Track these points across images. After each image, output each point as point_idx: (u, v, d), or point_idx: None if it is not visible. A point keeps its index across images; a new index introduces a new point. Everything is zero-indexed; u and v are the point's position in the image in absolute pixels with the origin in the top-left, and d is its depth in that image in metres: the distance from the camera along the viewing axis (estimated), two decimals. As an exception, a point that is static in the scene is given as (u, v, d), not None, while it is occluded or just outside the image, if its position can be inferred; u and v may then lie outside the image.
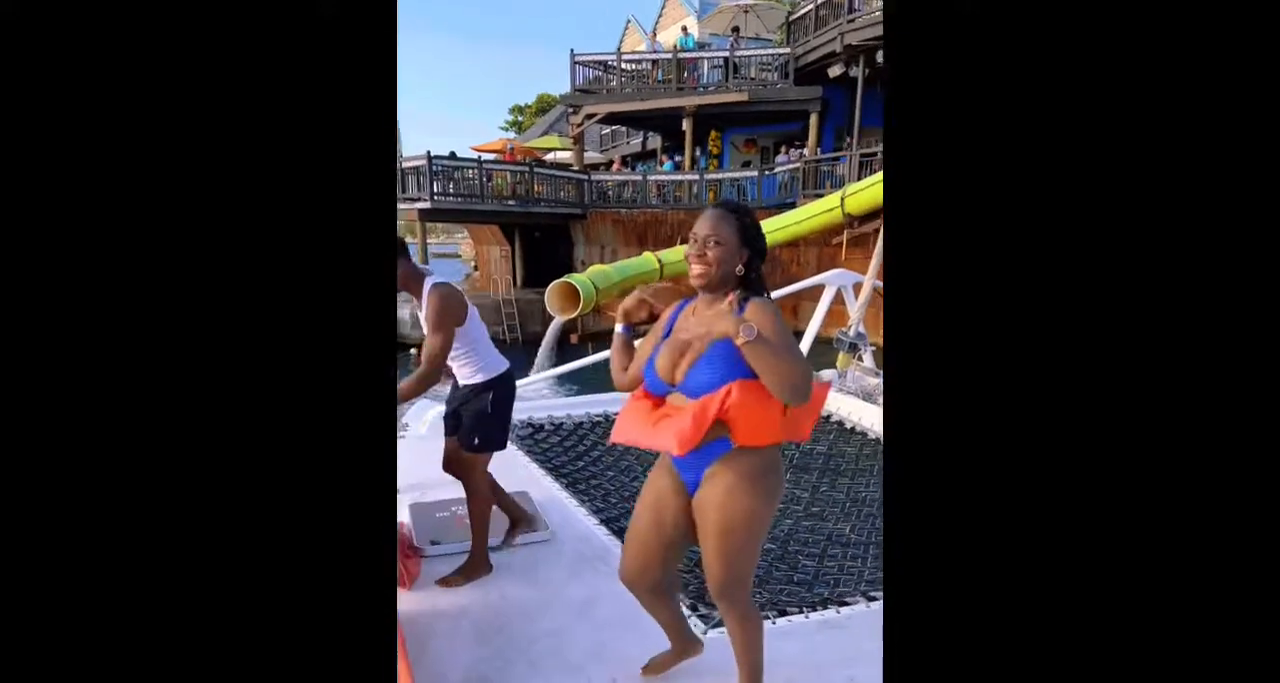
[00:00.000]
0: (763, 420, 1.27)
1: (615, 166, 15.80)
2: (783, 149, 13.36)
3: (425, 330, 1.97)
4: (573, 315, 7.64)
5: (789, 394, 1.19)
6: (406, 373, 2.00)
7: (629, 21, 21.64)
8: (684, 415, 1.26)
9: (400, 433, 3.36)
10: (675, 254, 10.01)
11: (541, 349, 8.93)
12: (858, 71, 11.45)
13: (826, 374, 4.29)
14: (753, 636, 1.41)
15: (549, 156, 16.09)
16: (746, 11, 16.30)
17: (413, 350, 2.01)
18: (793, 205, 10.83)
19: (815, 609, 1.98)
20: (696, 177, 12.58)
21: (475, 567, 2.10)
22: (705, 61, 13.58)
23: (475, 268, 19.17)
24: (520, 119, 31.08)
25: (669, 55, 13.68)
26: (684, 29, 16.08)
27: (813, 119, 12.54)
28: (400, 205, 11.63)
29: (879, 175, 9.16)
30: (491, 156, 13.60)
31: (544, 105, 28.52)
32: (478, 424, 2.06)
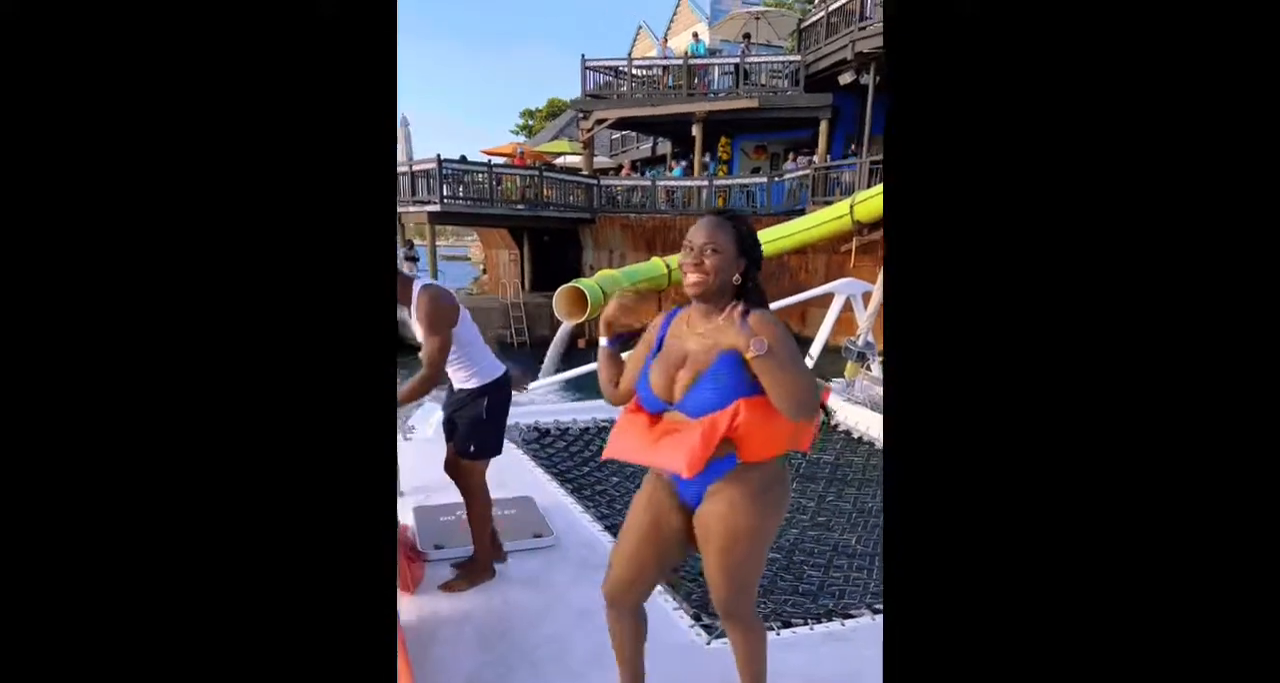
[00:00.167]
0: (769, 436, 1.24)
1: (625, 171, 15.85)
2: (791, 156, 13.35)
3: (420, 334, 1.96)
4: (580, 320, 7.65)
5: (796, 411, 1.17)
6: (410, 376, 2.00)
7: (640, 27, 21.74)
8: (690, 435, 1.21)
9: (407, 436, 3.36)
10: (684, 259, 9.96)
11: (549, 354, 8.94)
12: (868, 79, 11.44)
13: (834, 384, 4.27)
14: (756, 648, 1.40)
15: (559, 161, 16.15)
16: (758, 18, 16.33)
17: (421, 355, 2.00)
18: (802, 212, 10.81)
19: (820, 621, 1.96)
20: (706, 182, 12.59)
21: (478, 572, 2.09)
22: (716, 68, 13.62)
23: (484, 271, 19.23)
24: (531, 123, 31.22)
25: (680, 61, 13.71)
26: (695, 35, 16.12)
27: (823, 126, 12.53)
28: (410, 208, 11.70)
29: (889, 183, 9.11)
30: (501, 160, 13.69)
31: (554, 110, 28.64)
32: (473, 431, 2.04)
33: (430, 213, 11.42)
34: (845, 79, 11.79)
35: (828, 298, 4.49)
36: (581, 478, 3.18)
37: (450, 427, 2.11)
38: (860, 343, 4.10)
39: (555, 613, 1.92)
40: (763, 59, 13.68)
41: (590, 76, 13.77)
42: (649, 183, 13.06)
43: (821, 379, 4.29)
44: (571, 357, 9.27)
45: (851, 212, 9.42)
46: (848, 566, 2.43)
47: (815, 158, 12.49)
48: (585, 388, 6.94)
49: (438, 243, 12.26)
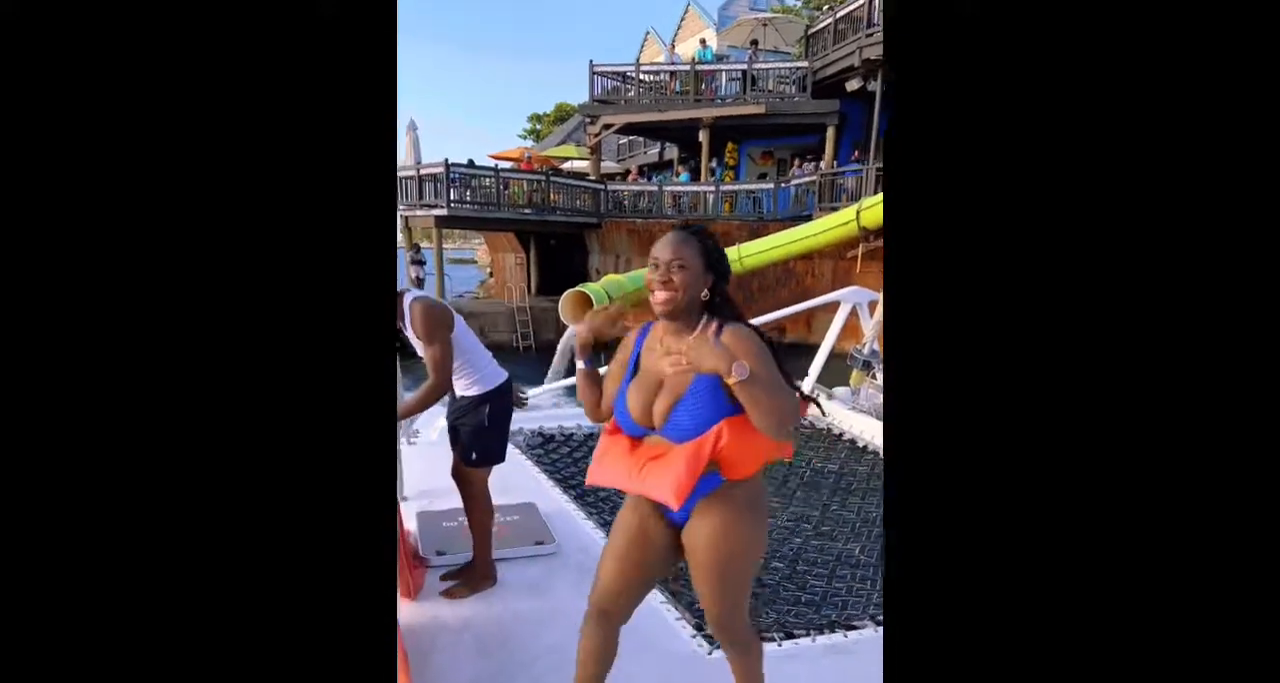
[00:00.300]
0: (753, 453, 1.22)
1: (631, 176, 15.88)
2: (797, 162, 13.36)
3: (420, 346, 1.96)
4: (585, 324, 7.65)
5: (778, 431, 1.15)
6: (414, 382, 2.00)
7: (648, 33, 21.80)
8: (675, 462, 1.19)
9: (411, 440, 3.37)
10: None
11: (555, 359, 8.96)
12: (875, 86, 11.44)
13: (839, 392, 4.26)
14: (754, 664, 1.39)
15: (566, 165, 16.21)
16: (765, 25, 16.37)
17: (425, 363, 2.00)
18: (808, 218, 10.81)
19: (822, 632, 1.95)
20: (712, 188, 12.60)
21: (478, 578, 2.09)
22: (723, 73, 13.64)
23: (490, 274, 19.29)
24: (538, 128, 31.33)
25: (687, 67, 13.75)
26: (702, 41, 16.16)
27: (830, 132, 12.54)
28: (418, 212, 11.76)
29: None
30: (509, 165, 13.73)
31: (562, 114, 28.74)
32: (476, 439, 2.04)
33: (437, 216, 11.46)
34: (852, 85, 11.80)
35: (834, 305, 4.48)
36: (584, 484, 3.17)
37: (454, 434, 2.11)
38: (866, 351, 4.08)
39: (556, 621, 1.91)
40: (770, 65, 13.71)
41: (598, 82, 13.82)
42: (655, 188, 13.08)
43: (832, 392, 4.28)
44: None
45: (858, 217, 9.41)
46: (851, 576, 2.41)
47: (822, 164, 12.49)
48: (590, 393, 6.92)
49: (444, 246, 12.31)
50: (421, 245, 13.32)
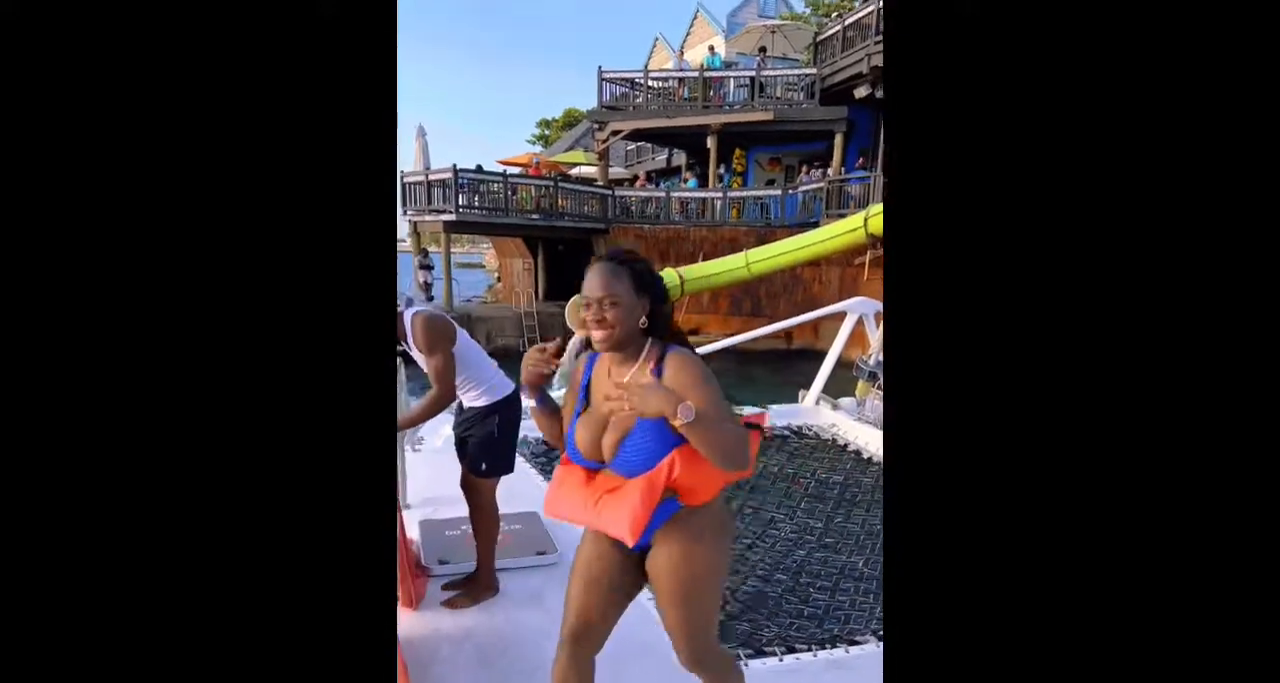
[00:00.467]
0: (708, 479, 1.21)
1: (639, 182, 15.89)
2: (805, 168, 13.35)
3: (422, 359, 1.97)
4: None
5: (728, 465, 1.14)
6: (415, 388, 2.01)
7: (657, 40, 21.88)
8: (630, 496, 1.18)
9: (416, 447, 3.38)
10: (697, 270, 10.01)
11: (561, 364, 8.94)
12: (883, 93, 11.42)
13: (845, 403, 4.24)
14: None
15: (574, 171, 16.24)
16: (774, 32, 16.38)
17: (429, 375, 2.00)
18: (815, 224, 10.78)
19: (824, 647, 1.94)
20: (720, 194, 12.60)
21: (480, 588, 2.09)
22: (731, 80, 13.66)
23: (498, 279, 19.35)
24: (547, 133, 31.46)
25: (696, 73, 13.78)
26: (711, 48, 16.20)
27: (838, 139, 12.52)
28: (426, 217, 11.82)
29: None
30: (517, 170, 13.77)
31: (571, 120, 28.85)
32: (485, 449, 2.05)
33: (446, 222, 11.52)
34: (860, 92, 11.78)
35: (841, 314, 4.47)
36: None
37: (462, 445, 2.12)
38: (872, 362, 4.07)
39: (558, 631, 1.91)
40: (778, 72, 13.71)
41: (607, 88, 13.86)
42: (663, 194, 13.09)
43: (838, 402, 4.26)
44: (582, 367, 9.21)
45: (866, 225, 9.37)
46: (854, 589, 2.40)
47: (830, 170, 12.47)
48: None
49: (453, 250, 12.36)
50: (430, 250, 13.39)
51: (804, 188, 12.20)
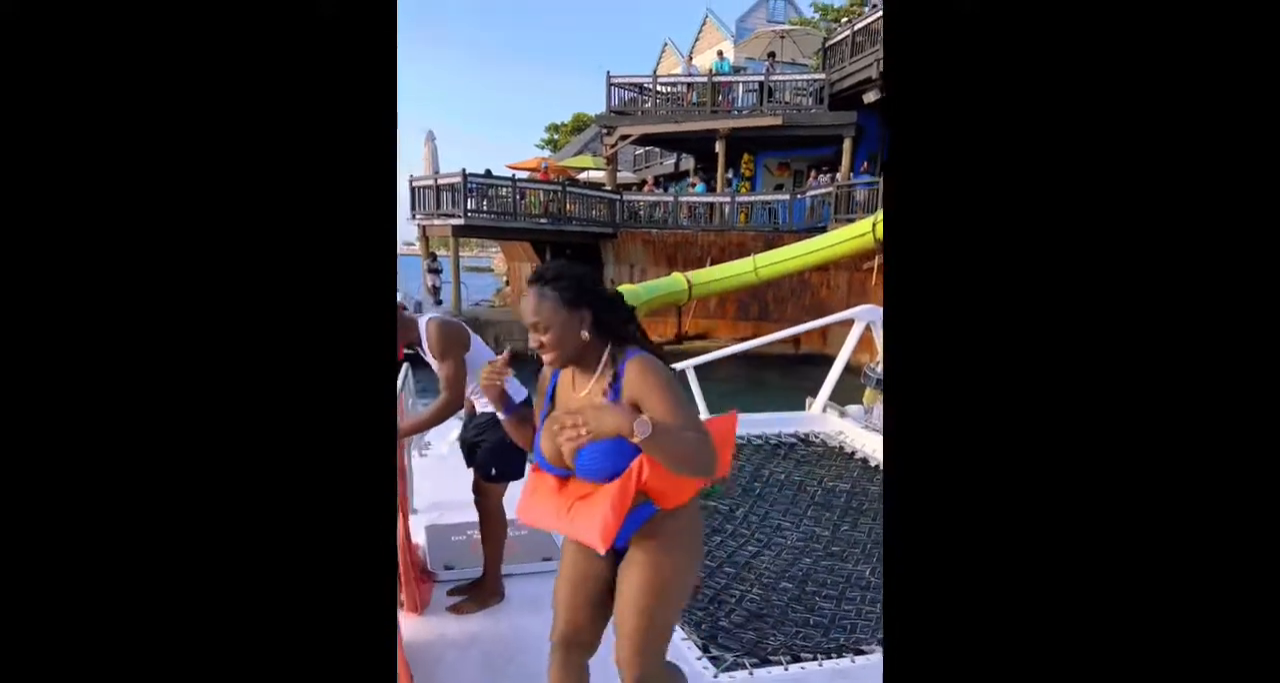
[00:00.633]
0: (681, 482, 1.21)
1: (647, 187, 15.93)
2: (814, 173, 13.33)
3: (435, 364, 1.98)
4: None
5: (695, 473, 1.14)
6: (422, 391, 2.01)
7: (666, 44, 21.96)
8: (601, 503, 1.17)
9: (423, 452, 3.39)
10: (704, 275, 10.03)
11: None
12: (893, 98, 11.39)
13: (852, 410, 4.22)
14: None
15: (582, 176, 16.30)
16: (783, 37, 16.40)
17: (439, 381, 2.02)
18: (824, 229, 10.77)
19: (829, 657, 1.93)
20: (728, 198, 12.61)
21: (486, 594, 2.09)
22: (740, 85, 13.67)
23: (507, 283, 19.41)
24: (556, 138, 31.58)
25: (704, 78, 13.81)
26: (720, 53, 16.23)
27: (846, 144, 12.51)
28: (435, 221, 11.88)
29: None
30: (526, 175, 13.84)
31: (579, 125, 28.94)
32: (496, 455, 2.05)
33: (454, 226, 11.57)
34: (869, 97, 11.77)
35: (848, 321, 4.45)
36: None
37: (473, 451, 2.12)
38: (879, 369, 4.05)
39: None
40: (787, 77, 13.72)
41: (615, 93, 13.91)
42: (671, 199, 13.11)
43: (845, 409, 4.24)
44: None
45: (874, 230, 9.35)
46: (861, 598, 2.38)
47: (838, 175, 12.45)
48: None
49: (461, 253, 12.41)
50: (438, 254, 13.46)
51: (812, 193, 12.18)
